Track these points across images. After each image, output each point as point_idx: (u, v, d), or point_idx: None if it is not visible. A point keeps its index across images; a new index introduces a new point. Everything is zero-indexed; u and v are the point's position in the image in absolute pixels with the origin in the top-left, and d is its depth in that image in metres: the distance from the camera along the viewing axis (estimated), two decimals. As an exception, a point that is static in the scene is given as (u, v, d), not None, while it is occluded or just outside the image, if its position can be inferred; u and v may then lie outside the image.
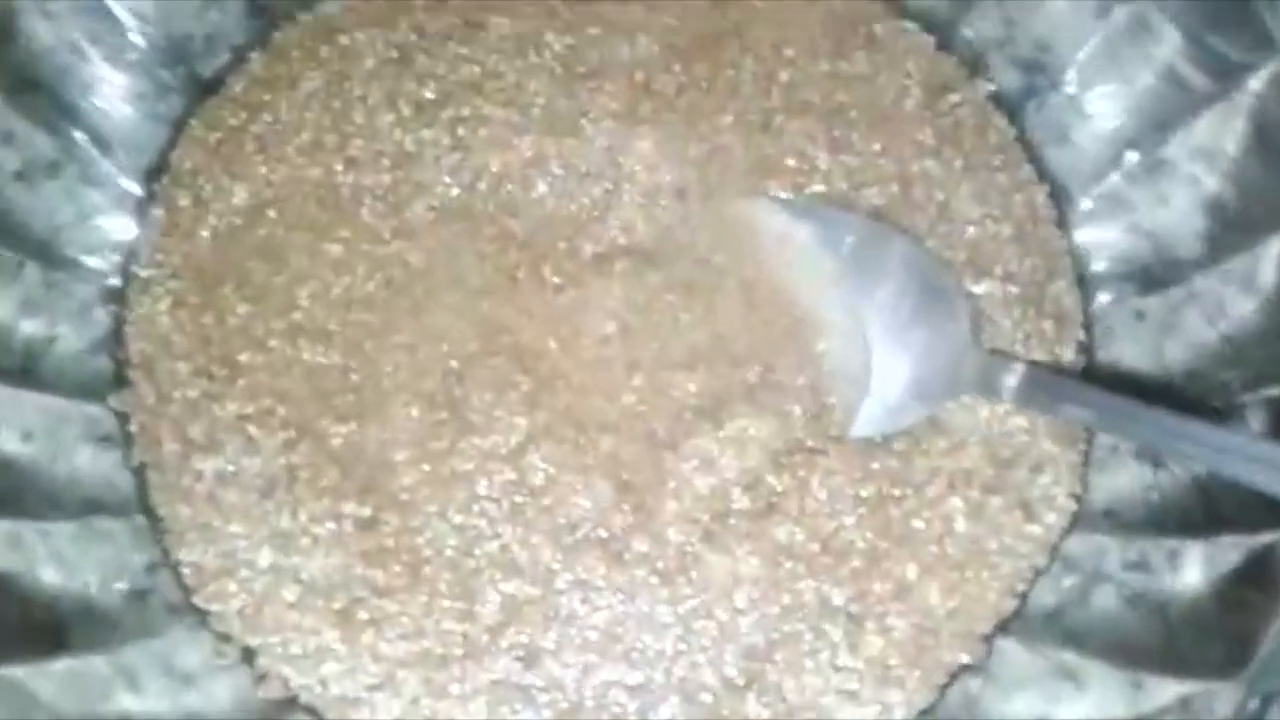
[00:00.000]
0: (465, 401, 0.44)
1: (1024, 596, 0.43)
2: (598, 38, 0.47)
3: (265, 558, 0.43)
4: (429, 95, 0.47)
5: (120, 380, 0.45)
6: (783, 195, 0.46)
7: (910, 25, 0.49)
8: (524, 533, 0.43)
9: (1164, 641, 0.40)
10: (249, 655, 0.42)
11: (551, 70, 0.47)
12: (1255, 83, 0.42)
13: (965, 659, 0.43)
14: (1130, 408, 0.41)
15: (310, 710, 0.42)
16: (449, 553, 0.43)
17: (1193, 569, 0.41)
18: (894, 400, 0.44)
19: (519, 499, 0.43)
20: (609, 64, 0.47)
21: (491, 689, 0.42)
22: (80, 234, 0.46)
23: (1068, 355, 0.46)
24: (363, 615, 0.42)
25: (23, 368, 0.44)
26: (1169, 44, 0.44)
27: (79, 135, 0.45)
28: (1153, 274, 0.45)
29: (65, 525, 0.42)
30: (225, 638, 0.42)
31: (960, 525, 0.43)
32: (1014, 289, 0.46)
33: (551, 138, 0.46)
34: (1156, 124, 0.46)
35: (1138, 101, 0.46)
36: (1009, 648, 0.43)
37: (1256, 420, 0.41)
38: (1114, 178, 0.47)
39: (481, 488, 0.43)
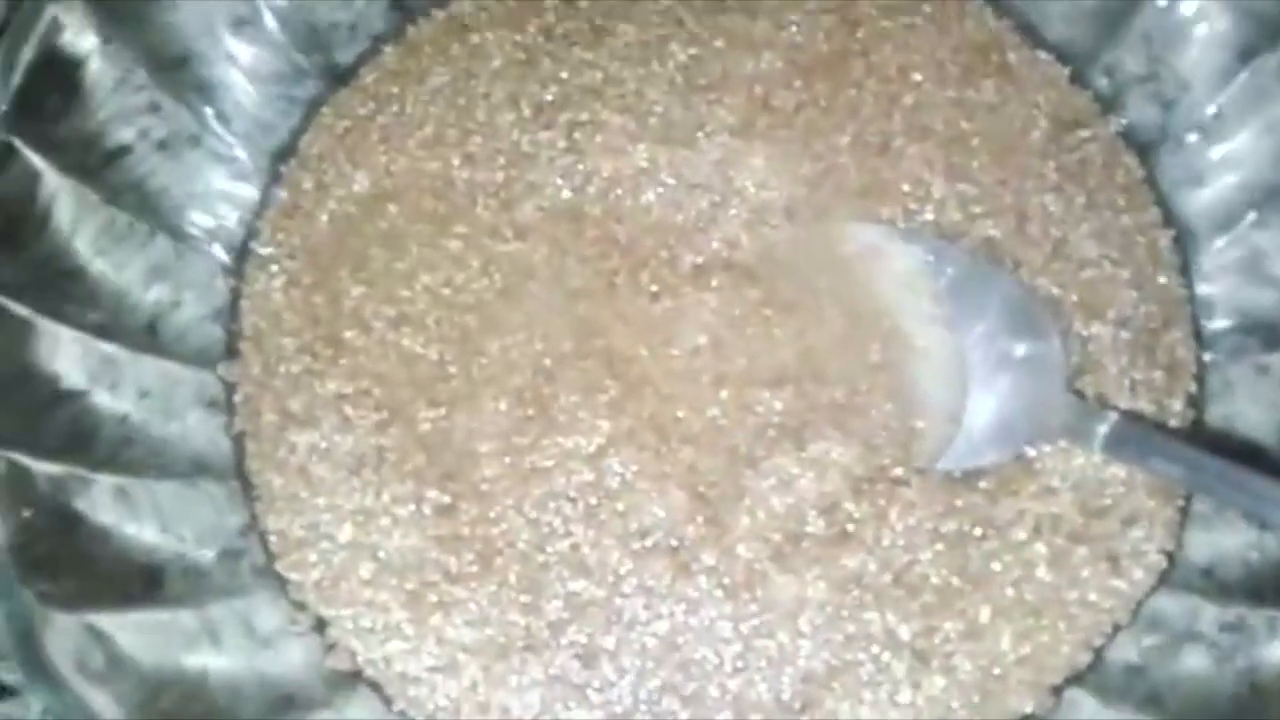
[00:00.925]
0: (553, 400, 0.47)
1: (1100, 651, 0.44)
2: (721, 50, 0.50)
3: (346, 533, 0.46)
4: (549, 97, 0.50)
5: (231, 351, 0.49)
6: (892, 221, 0.48)
7: (1045, 56, 0.50)
8: (595, 534, 0.46)
9: (1249, 708, 0.41)
10: (321, 625, 0.46)
11: (672, 80, 0.50)
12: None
13: (1030, 709, 0.44)
14: (1223, 469, 0.41)
15: (373, 684, 0.46)
16: (521, 546, 0.46)
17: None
18: (981, 437, 0.45)
19: (594, 501, 0.46)
20: (730, 77, 0.50)
21: (548, 683, 0.45)
22: (209, 207, 0.50)
23: (1176, 407, 0.47)
24: (432, 598, 0.46)
25: (146, 331, 0.49)
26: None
27: (210, 112, 0.50)
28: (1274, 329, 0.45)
29: (169, 484, 0.47)
30: (301, 606, 0.46)
31: (1041, 572, 0.45)
32: (1126, 335, 0.47)
33: (665, 147, 0.49)
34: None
35: (1277, 150, 0.46)
36: (1084, 702, 0.43)
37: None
38: (1245, 228, 0.46)
39: (559, 486, 0.46)
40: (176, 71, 0.49)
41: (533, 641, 0.45)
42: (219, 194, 0.50)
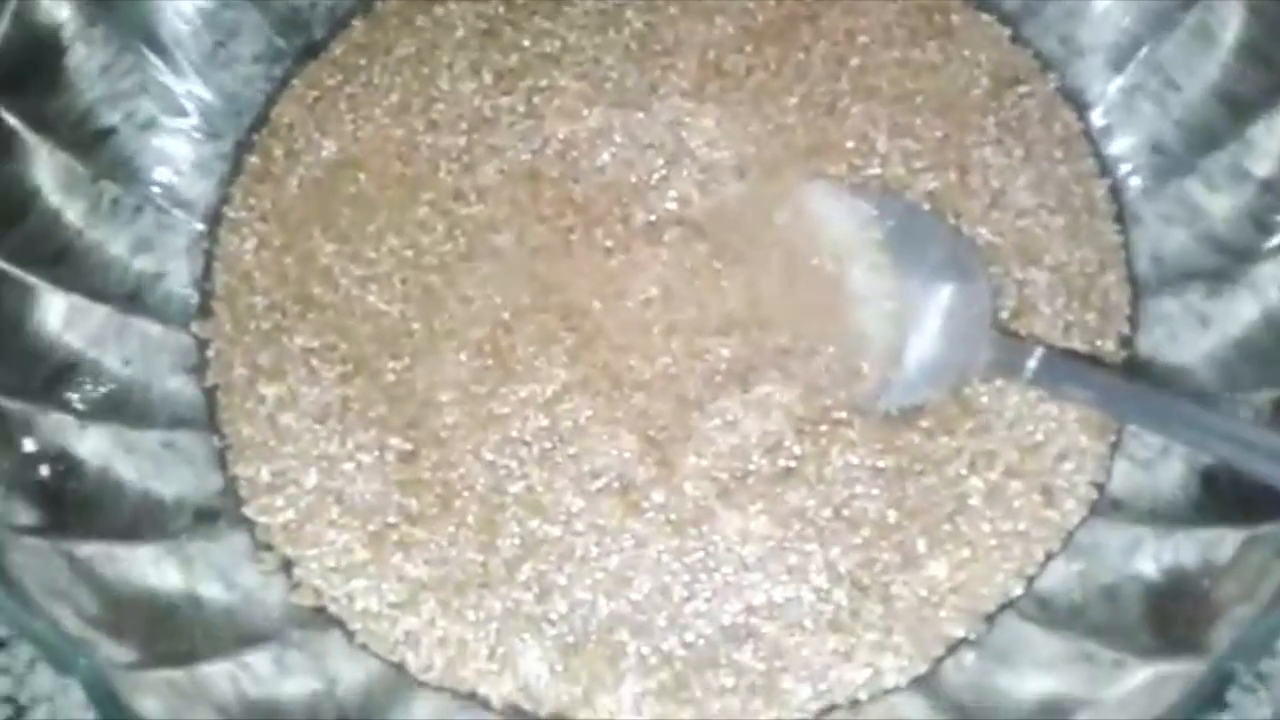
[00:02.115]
0: (510, 351, 0.52)
1: (1032, 579, 0.48)
2: (675, 17, 0.56)
3: (312, 478, 0.51)
4: (510, 65, 0.56)
5: (204, 310, 0.55)
6: (839, 177, 0.53)
7: (987, 17, 0.55)
8: (550, 476, 0.50)
9: (1140, 623, 0.45)
10: (288, 565, 0.51)
11: (627, 46, 0.55)
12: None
13: (964, 634, 0.48)
14: (1146, 396, 0.46)
15: (337, 620, 0.51)
16: (479, 488, 0.51)
17: (1179, 554, 0.45)
18: (917, 376, 0.50)
19: (549, 445, 0.51)
20: (683, 43, 0.55)
21: (503, 616, 0.50)
22: (189, 180, 0.56)
23: (1109, 348, 0.51)
24: (393, 538, 0.50)
25: (130, 297, 0.54)
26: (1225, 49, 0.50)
27: (191, 91, 0.55)
28: (1206, 272, 0.50)
29: (152, 433, 0.52)
30: (267, 547, 0.51)
31: (976, 504, 0.49)
32: (1061, 279, 0.51)
33: (619, 110, 0.54)
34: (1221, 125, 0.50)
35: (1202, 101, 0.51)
36: (1016, 626, 0.48)
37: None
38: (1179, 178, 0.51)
39: (515, 431, 0.51)
40: (160, 55, 0.55)
41: (489, 578, 0.50)
42: (199, 166, 0.56)
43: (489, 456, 0.51)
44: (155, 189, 0.54)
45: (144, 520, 0.50)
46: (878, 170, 0.53)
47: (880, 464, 0.49)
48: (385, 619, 0.50)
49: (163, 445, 0.52)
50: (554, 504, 0.50)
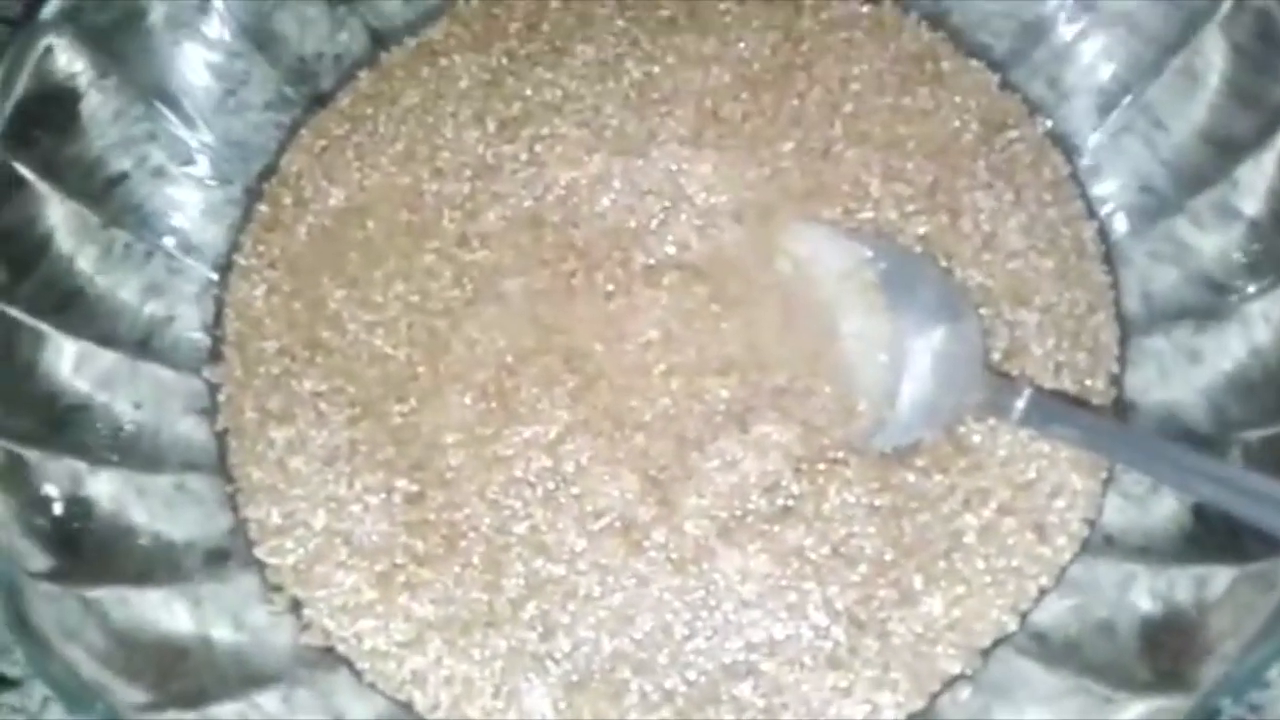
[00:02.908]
0: (514, 393, 0.53)
1: (1025, 615, 0.49)
2: (673, 66, 0.57)
3: (320, 520, 0.53)
4: (512, 114, 0.57)
5: (215, 355, 0.56)
6: (833, 221, 0.54)
7: (976, 63, 0.56)
8: (553, 516, 0.52)
9: (1133, 658, 0.46)
10: (297, 606, 0.52)
11: (626, 95, 0.57)
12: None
13: (960, 669, 0.49)
14: (1133, 437, 0.47)
15: (345, 660, 0.52)
16: (484, 529, 0.52)
17: (1172, 590, 0.46)
18: (911, 416, 0.51)
19: (552, 485, 0.52)
20: (681, 91, 0.57)
21: (508, 655, 0.50)
22: (199, 227, 0.57)
23: (1099, 387, 0.52)
24: (400, 579, 0.52)
25: (141, 343, 0.55)
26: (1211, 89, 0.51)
27: (202, 140, 0.57)
28: (1195, 310, 0.51)
29: (163, 478, 0.53)
30: (277, 588, 0.53)
31: (970, 541, 0.50)
32: (1051, 320, 0.52)
33: (619, 157, 0.55)
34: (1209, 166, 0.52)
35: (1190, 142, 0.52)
36: (1011, 661, 0.49)
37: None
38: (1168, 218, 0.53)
39: (519, 472, 0.52)
40: (170, 105, 0.56)
41: (494, 617, 0.51)
42: (208, 213, 0.57)
43: (493, 497, 0.52)
44: (166, 236, 0.56)
45: (156, 563, 0.51)
46: (871, 214, 0.54)
47: (876, 502, 0.50)
48: (392, 658, 0.51)
49: (174, 488, 0.53)
50: (557, 543, 0.51)
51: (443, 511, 0.52)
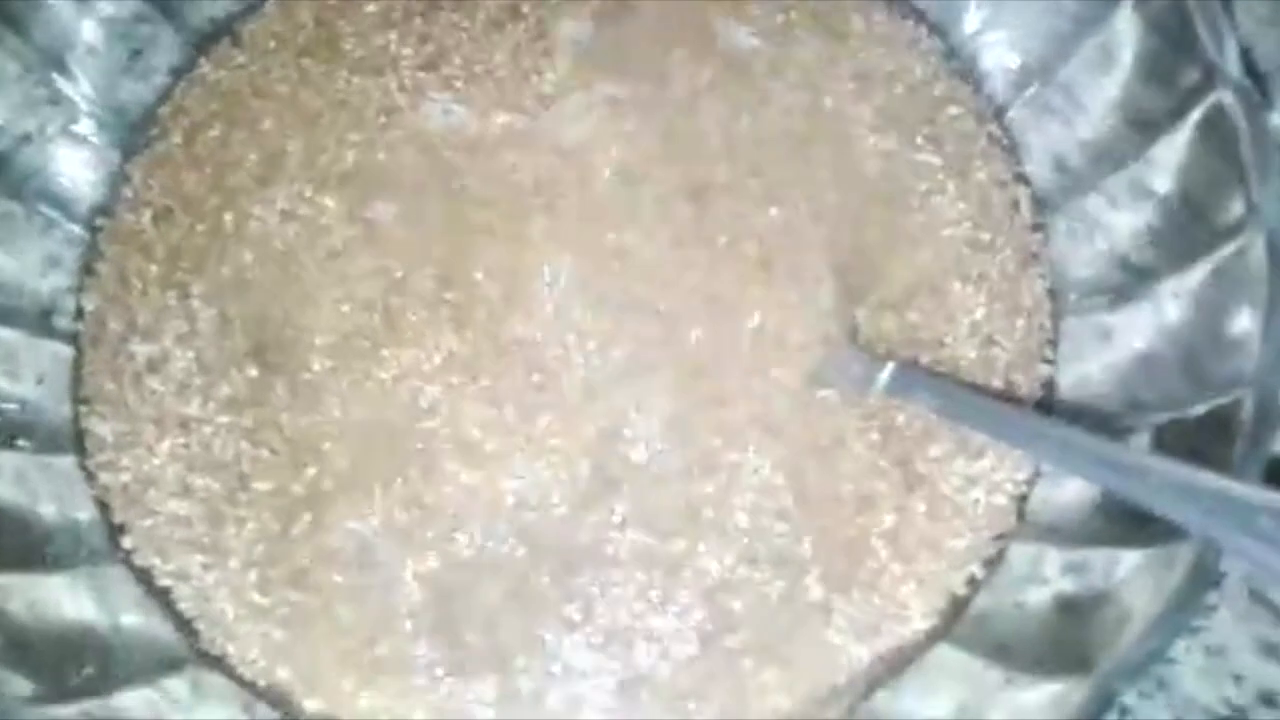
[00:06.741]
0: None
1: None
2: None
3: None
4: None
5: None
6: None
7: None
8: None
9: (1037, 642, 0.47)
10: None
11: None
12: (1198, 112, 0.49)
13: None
14: (990, 406, 0.49)
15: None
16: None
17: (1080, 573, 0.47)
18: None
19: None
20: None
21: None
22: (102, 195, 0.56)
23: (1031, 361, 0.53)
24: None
25: (41, 316, 0.54)
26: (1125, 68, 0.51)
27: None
28: (1108, 288, 0.52)
29: (65, 458, 0.52)
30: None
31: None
32: (984, 288, 0.53)
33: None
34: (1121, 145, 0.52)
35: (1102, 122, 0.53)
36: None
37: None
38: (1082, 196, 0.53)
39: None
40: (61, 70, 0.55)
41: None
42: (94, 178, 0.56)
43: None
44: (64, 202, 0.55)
45: (48, 550, 0.50)
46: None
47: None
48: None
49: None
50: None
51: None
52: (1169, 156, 0.51)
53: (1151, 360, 0.50)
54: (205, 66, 0.56)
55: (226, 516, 0.51)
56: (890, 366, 0.50)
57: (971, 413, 0.49)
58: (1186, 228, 0.51)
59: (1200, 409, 0.46)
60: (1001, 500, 0.51)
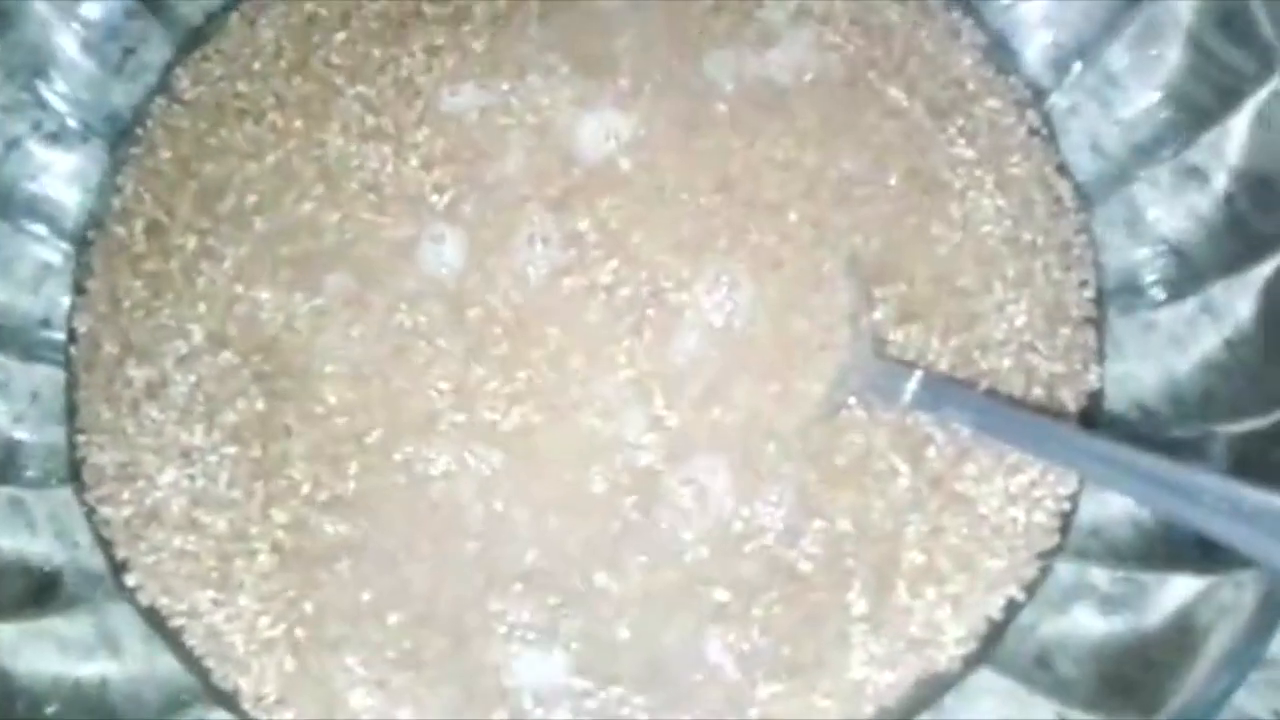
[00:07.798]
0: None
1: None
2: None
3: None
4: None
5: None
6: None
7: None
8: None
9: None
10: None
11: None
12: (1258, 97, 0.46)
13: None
14: (1022, 418, 0.46)
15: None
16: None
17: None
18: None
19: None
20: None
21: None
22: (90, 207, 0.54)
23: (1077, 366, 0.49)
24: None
25: (31, 339, 0.52)
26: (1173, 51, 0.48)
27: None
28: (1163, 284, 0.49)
29: (62, 490, 0.50)
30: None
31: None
32: (1024, 291, 0.50)
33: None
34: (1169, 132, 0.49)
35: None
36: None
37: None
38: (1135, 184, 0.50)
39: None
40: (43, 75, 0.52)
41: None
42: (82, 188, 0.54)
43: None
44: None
45: (59, 588, 0.48)
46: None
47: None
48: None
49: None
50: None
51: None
52: (1222, 144, 0.48)
53: (1212, 366, 0.47)
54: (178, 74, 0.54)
55: (234, 551, 0.48)
56: (918, 376, 0.46)
57: (1007, 427, 0.46)
58: (1245, 220, 0.47)
59: (1268, 421, 0.43)
60: (1042, 518, 0.48)
